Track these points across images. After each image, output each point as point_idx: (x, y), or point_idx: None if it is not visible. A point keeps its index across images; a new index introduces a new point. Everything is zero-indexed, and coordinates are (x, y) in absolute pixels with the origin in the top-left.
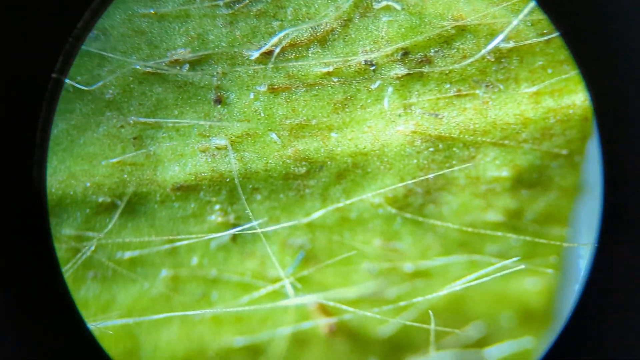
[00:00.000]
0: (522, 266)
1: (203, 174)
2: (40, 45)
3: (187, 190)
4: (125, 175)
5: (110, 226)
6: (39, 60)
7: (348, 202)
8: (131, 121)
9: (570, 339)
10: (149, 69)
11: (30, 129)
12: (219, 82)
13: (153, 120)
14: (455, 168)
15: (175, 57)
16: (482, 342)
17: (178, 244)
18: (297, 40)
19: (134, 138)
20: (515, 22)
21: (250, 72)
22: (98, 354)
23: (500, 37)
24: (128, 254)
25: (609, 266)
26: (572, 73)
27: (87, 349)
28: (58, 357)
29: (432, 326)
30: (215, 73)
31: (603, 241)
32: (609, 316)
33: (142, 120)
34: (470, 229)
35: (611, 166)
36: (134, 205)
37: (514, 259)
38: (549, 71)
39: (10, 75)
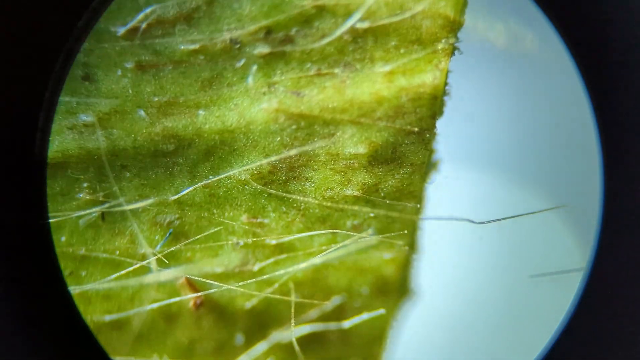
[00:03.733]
0: (377, 239)
1: (70, 152)
2: (41, 45)
3: (54, 168)
4: None
5: None
6: (38, 60)
7: (215, 178)
8: None
9: (570, 339)
10: None
11: (30, 130)
12: (85, 59)
13: None
14: (316, 145)
15: None
16: (341, 314)
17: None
18: (164, 17)
19: None
20: (369, 2)
21: (117, 48)
22: (96, 350)
23: (356, 16)
24: None
25: (609, 268)
26: (422, 53)
27: (84, 344)
28: (56, 354)
29: (293, 298)
30: (82, 49)
31: (603, 243)
32: (609, 317)
33: None
34: (329, 204)
35: (611, 166)
36: None
37: (370, 232)
38: (402, 51)
39: (9, 76)
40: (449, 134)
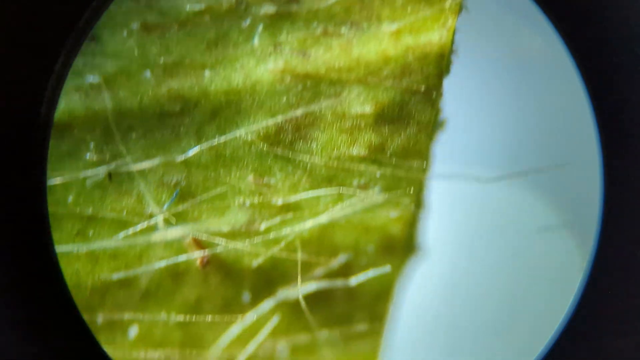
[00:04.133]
0: (383, 197)
1: (76, 112)
2: (41, 43)
3: (60, 129)
4: None
5: None
6: (38, 60)
7: (222, 139)
8: None
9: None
10: None
11: (30, 130)
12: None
13: None
14: (322, 105)
15: None
16: (348, 272)
17: (53, 182)
18: None
19: None
20: None
21: (123, 9)
22: (96, 351)
23: None
24: None
25: (609, 268)
26: (429, 11)
27: (85, 345)
28: (57, 354)
29: (299, 256)
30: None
31: (603, 242)
32: (609, 317)
33: None
34: (336, 164)
35: (611, 166)
36: None
37: (376, 190)
38: (409, 9)
39: (10, 75)
40: (448, 135)
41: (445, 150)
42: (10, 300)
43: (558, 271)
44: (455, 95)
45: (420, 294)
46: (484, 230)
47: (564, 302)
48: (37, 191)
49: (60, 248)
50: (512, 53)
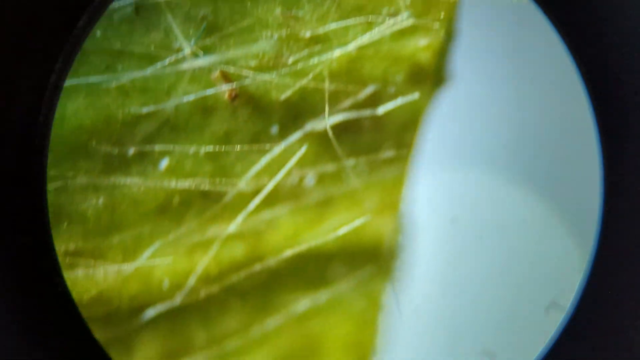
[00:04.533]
0: (412, 21)
1: None
2: (41, 44)
3: None
4: None
5: None
6: (39, 59)
7: None
8: None
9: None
10: None
11: (30, 129)
12: None
13: None
14: None
15: None
16: (375, 102)
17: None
18: None
19: None
20: None
21: None
22: (97, 351)
23: None
24: None
25: (609, 268)
26: None
27: (85, 346)
28: (57, 354)
29: (327, 86)
30: None
31: (603, 243)
32: (609, 317)
33: None
34: None
35: (611, 166)
36: None
37: (405, 15)
38: None
39: (11, 75)
40: (447, 132)
41: None
42: (10, 301)
43: (558, 271)
44: None
45: (446, 123)
46: (484, 230)
47: (564, 302)
48: (38, 192)
49: (89, 79)
50: (512, 53)
